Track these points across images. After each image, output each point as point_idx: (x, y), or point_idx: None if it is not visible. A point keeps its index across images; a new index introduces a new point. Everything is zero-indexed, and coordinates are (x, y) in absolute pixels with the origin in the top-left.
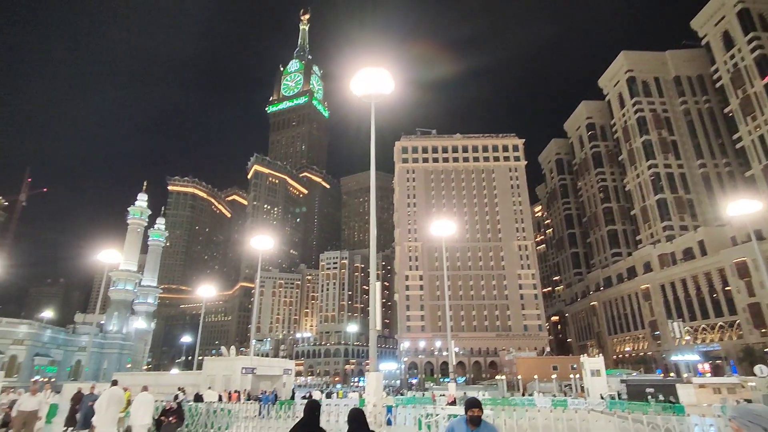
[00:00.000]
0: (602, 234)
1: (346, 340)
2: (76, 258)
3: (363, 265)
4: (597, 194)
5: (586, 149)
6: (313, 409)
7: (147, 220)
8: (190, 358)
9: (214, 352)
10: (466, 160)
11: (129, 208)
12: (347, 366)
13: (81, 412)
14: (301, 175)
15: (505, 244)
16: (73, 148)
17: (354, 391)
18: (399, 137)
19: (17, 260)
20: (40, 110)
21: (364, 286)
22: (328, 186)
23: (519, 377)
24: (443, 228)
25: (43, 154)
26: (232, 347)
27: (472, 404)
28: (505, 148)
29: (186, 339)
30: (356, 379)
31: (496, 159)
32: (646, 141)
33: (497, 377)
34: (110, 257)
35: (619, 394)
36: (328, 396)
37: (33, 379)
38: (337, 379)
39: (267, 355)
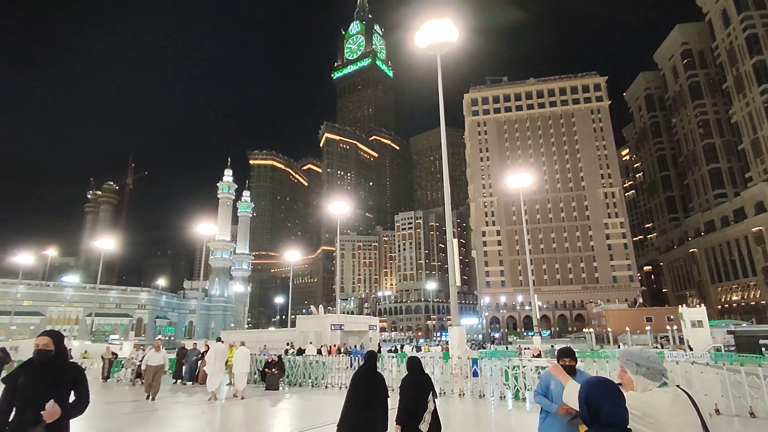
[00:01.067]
0: (702, 174)
1: (425, 297)
2: (179, 232)
3: (438, 224)
4: (696, 130)
5: (681, 80)
6: (371, 356)
7: (234, 193)
8: (283, 317)
9: (304, 311)
10: (541, 106)
11: (218, 184)
12: (428, 321)
13: (186, 365)
14: (370, 138)
15: (589, 192)
16: (166, 133)
17: (436, 345)
18: (467, 90)
19: (132, 238)
20: (138, 103)
21: (440, 245)
22: (397, 147)
23: (609, 330)
24: (520, 180)
25: (141, 141)
26: (320, 306)
27: (564, 353)
28: (585, 89)
29: (278, 300)
30: (438, 334)
31: (576, 101)
32: (758, 62)
33: (585, 330)
34: (207, 229)
35: (724, 347)
36: (417, 350)
37: (157, 338)
38: (419, 334)
39: (352, 313)
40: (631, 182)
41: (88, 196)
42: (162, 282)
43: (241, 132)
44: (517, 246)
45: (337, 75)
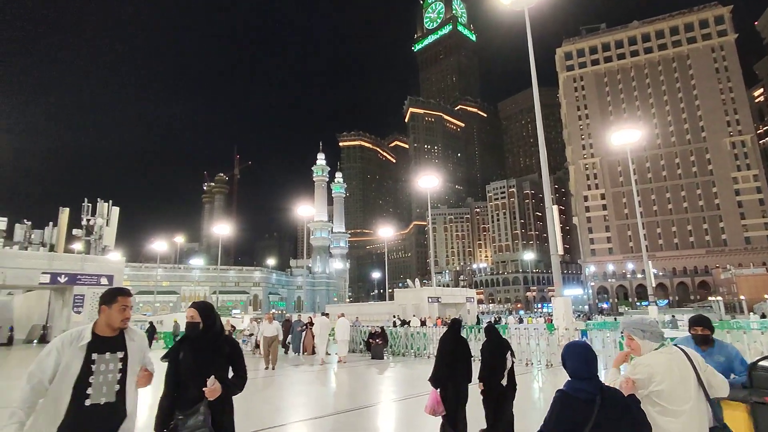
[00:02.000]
0: None
1: (523, 268)
2: (282, 215)
3: (533, 192)
4: None
5: None
6: (455, 322)
7: (327, 176)
8: (381, 291)
9: (400, 285)
10: (648, 51)
11: (312, 168)
12: (528, 293)
13: (292, 336)
14: (456, 108)
15: (711, 143)
16: (266, 125)
17: (539, 317)
18: (559, 44)
19: (243, 223)
20: (241, 102)
21: (537, 213)
22: (485, 115)
23: (741, 298)
24: (626, 137)
25: (245, 135)
26: (416, 279)
27: (696, 322)
28: (704, 24)
29: (375, 275)
30: (539, 306)
31: (691, 40)
32: None
33: (710, 298)
34: (306, 211)
35: None
36: (520, 321)
37: (269, 311)
38: (518, 305)
39: (447, 286)
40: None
41: (204, 188)
42: (271, 261)
43: (331, 117)
44: (626, 209)
45: (417, 47)
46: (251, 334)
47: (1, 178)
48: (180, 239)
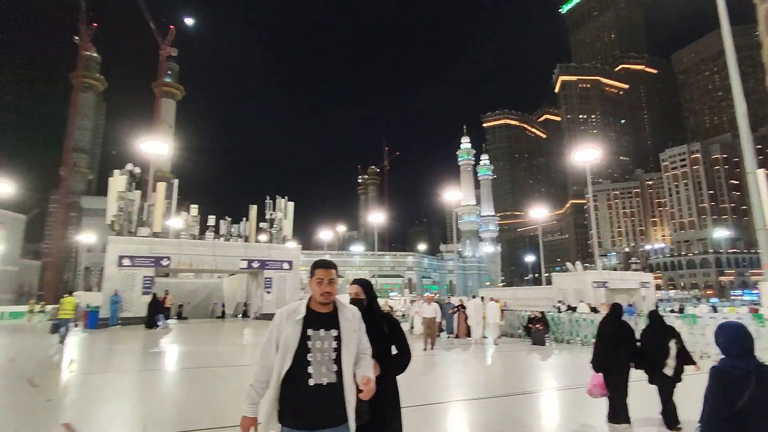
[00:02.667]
0: None
1: (714, 247)
2: (430, 201)
3: (725, 156)
4: None
5: None
6: (615, 307)
7: (473, 159)
8: (536, 275)
9: (558, 269)
10: None
11: (457, 152)
12: (721, 277)
13: (444, 318)
14: (616, 69)
15: None
16: (410, 114)
17: (741, 306)
18: None
19: (394, 211)
20: (389, 95)
21: (732, 181)
22: (654, 71)
23: None
24: None
25: (392, 127)
26: (577, 262)
27: None
28: None
29: (529, 258)
30: (739, 293)
31: None
32: None
33: None
34: (453, 196)
35: None
36: (714, 310)
37: (426, 293)
38: (709, 292)
39: (614, 269)
40: None
41: (359, 181)
42: (422, 247)
43: (473, 98)
44: None
45: (566, 7)
46: (403, 315)
47: (206, 184)
48: (342, 228)
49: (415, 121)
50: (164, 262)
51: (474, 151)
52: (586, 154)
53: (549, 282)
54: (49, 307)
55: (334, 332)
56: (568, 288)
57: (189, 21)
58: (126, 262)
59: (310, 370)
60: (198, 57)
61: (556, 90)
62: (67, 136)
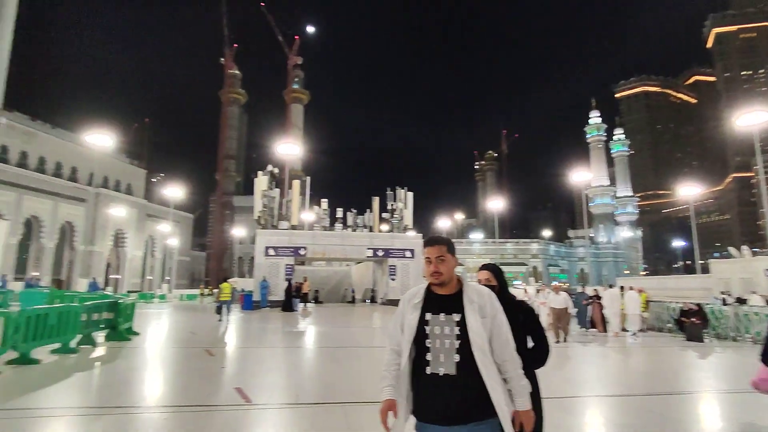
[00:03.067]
0: None
1: None
2: (554, 184)
3: None
4: None
5: None
6: None
7: (605, 134)
8: (688, 262)
9: (716, 254)
10: None
11: (585, 128)
12: None
13: (576, 310)
14: None
15: None
16: (528, 94)
17: None
18: None
19: (515, 196)
20: (508, 75)
21: None
22: None
23: None
24: None
25: (509, 109)
26: (744, 247)
27: None
28: None
29: (677, 244)
30: None
31: None
32: None
33: None
34: (581, 177)
35: None
36: None
37: (553, 283)
38: None
39: None
40: None
41: (476, 167)
42: (547, 233)
43: (601, 70)
44: None
45: None
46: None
47: (333, 179)
48: (460, 216)
49: (534, 100)
50: (301, 252)
51: (605, 126)
52: (753, 118)
53: (705, 270)
54: (215, 291)
55: (456, 317)
56: (732, 277)
57: (311, 29)
58: (271, 252)
59: (428, 357)
60: (320, 61)
61: (709, 45)
62: (220, 145)
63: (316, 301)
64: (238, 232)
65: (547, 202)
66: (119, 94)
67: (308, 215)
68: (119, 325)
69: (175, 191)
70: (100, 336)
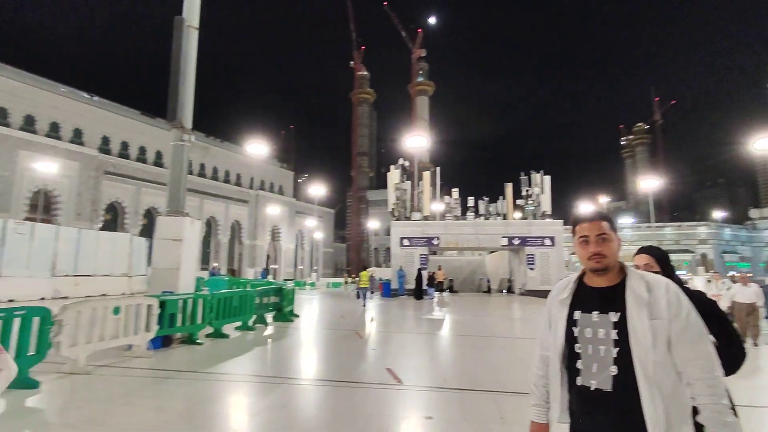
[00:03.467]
0: None
1: None
2: (728, 155)
3: None
4: None
5: None
6: None
7: None
8: None
9: None
10: None
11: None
12: None
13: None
14: None
15: None
16: (684, 51)
17: None
18: None
19: (675, 172)
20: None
21: None
22: None
23: None
24: None
25: (661, 73)
26: None
27: None
28: None
29: None
30: None
31: None
32: None
33: None
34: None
35: None
36: None
37: (739, 273)
38: None
39: None
40: None
41: (622, 143)
42: (718, 214)
43: None
44: None
45: None
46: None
47: (462, 168)
48: (605, 199)
49: (696, 61)
50: (434, 242)
51: None
52: None
53: None
54: (356, 279)
55: (613, 316)
56: None
57: (432, 20)
58: (405, 242)
59: (579, 365)
60: (443, 49)
61: None
62: (353, 144)
63: (451, 290)
64: (372, 224)
65: (718, 177)
66: (269, 107)
67: (440, 205)
68: (284, 307)
69: (317, 189)
70: (269, 317)
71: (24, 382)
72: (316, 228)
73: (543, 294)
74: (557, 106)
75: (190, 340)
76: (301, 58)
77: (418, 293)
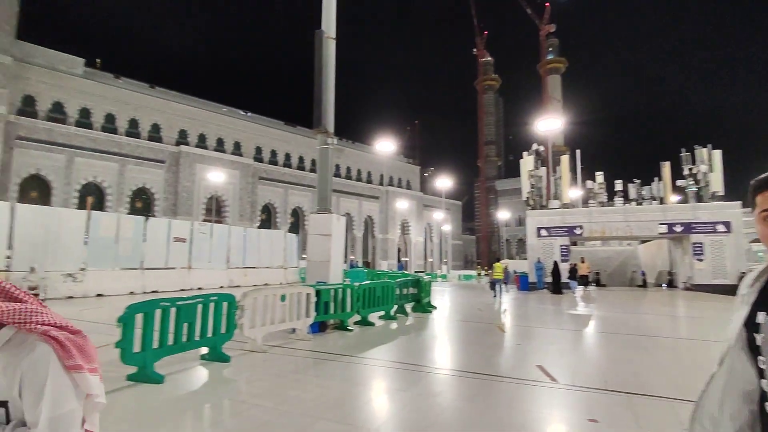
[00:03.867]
0: None
1: None
2: None
3: None
4: None
5: None
6: None
7: None
8: None
9: None
10: None
11: None
12: None
13: None
14: None
15: None
16: None
17: None
18: None
19: None
20: None
21: None
22: None
23: None
24: None
25: None
26: None
27: None
28: None
29: None
30: None
31: None
32: None
33: None
34: None
35: None
36: None
37: None
38: None
39: None
40: None
41: None
42: None
43: None
44: None
45: None
46: None
47: (604, 149)
48: None
49: None
50: (577, 231)
51: None
52: None
53: None
54: (489, 271)
55: None
56: None
57: None
58: (543, 233)
59: (764, 385)
60: (575, 21)
61: None
62: (479, 133)
63: (597, 283)
64: (503, 214)
65: None
66: (394, 106)
67: (581, 192)
68: (422, 299)
69: (444, 182)
70: (408, 307)
71: (219, 356)
72: (443, 220)
73: (715, 289)
74: (720, 70)
75: (341, 326)
76: (422, 54)
77: (556, 287)
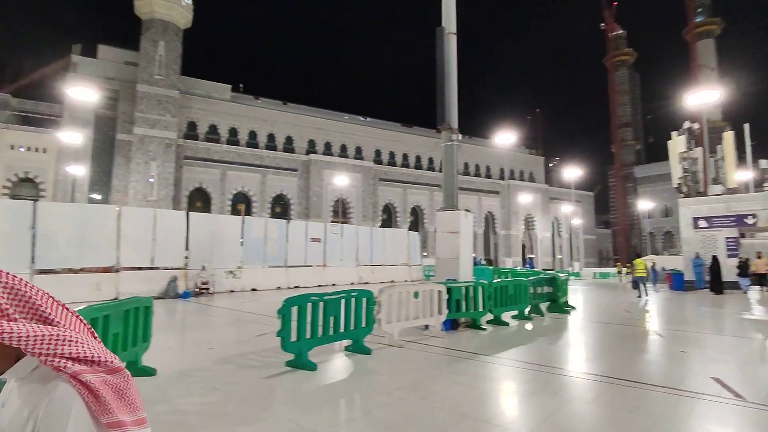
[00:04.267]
0: None
1: None
2: None
3: None
4: None
5: None
6: None
7: None
8: None
9: None
10: None
11: None
12: None
13: None
14: None
15: None
16: None
17: None
18: None
19: None
20: None
21: None
22: None
23: None
24: None
25: None
26: None
27: None
28: None
29: None
30: None
31: None
32: None
33: None
34: None
35: None
36: None
37: None
38: None
39: None
40: None
41: None
42: None
43: None
44: None
45: None
46: None
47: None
48: None
49: None
50: (748, 220)
51: None
52: None
53: None
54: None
55: None
56: None
57: None
58: (702, 223)
59: None
60: None
61: None
62: (612, 115)
63: None
64: (644, 205)
65: None
66: (513, 96)
67: (750, 173)
68: (559, 298)
69: (572, 172)
70: (543, 307)
71: (361, 349)
72: (573, 214)
73: None
74: None
75: (473, 325)
76: (542, 36)
77: (716, 286)
